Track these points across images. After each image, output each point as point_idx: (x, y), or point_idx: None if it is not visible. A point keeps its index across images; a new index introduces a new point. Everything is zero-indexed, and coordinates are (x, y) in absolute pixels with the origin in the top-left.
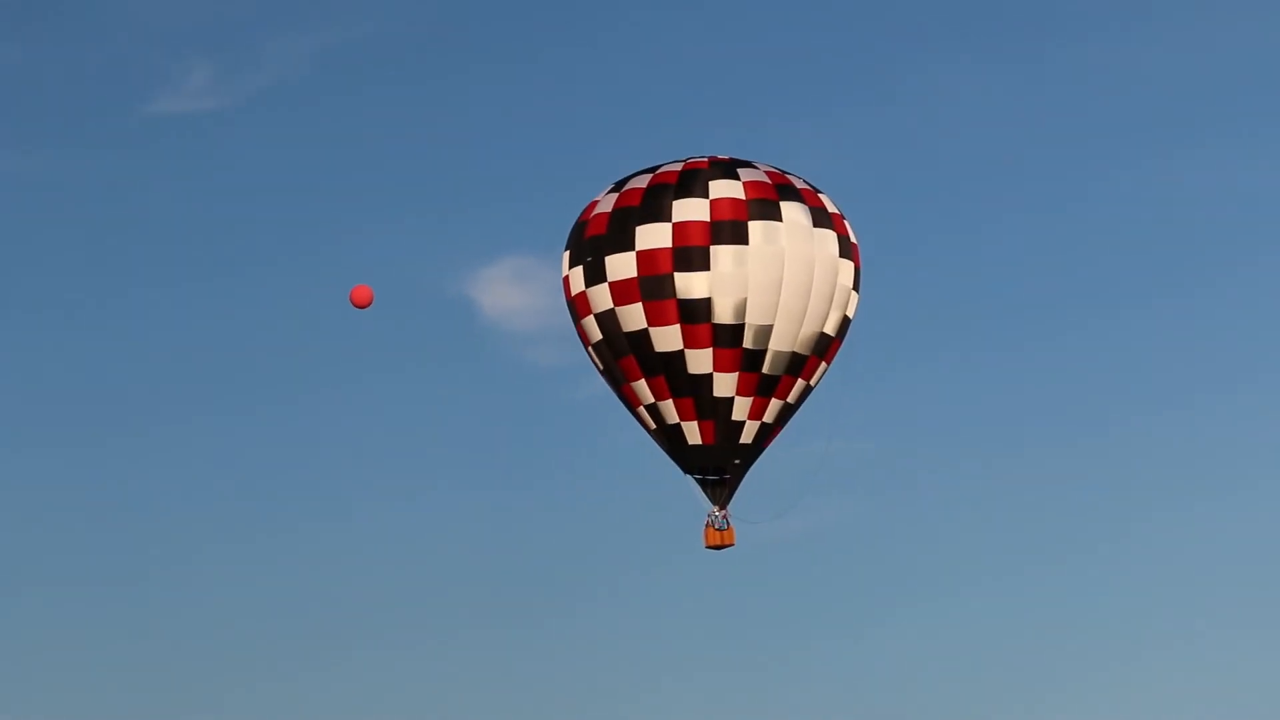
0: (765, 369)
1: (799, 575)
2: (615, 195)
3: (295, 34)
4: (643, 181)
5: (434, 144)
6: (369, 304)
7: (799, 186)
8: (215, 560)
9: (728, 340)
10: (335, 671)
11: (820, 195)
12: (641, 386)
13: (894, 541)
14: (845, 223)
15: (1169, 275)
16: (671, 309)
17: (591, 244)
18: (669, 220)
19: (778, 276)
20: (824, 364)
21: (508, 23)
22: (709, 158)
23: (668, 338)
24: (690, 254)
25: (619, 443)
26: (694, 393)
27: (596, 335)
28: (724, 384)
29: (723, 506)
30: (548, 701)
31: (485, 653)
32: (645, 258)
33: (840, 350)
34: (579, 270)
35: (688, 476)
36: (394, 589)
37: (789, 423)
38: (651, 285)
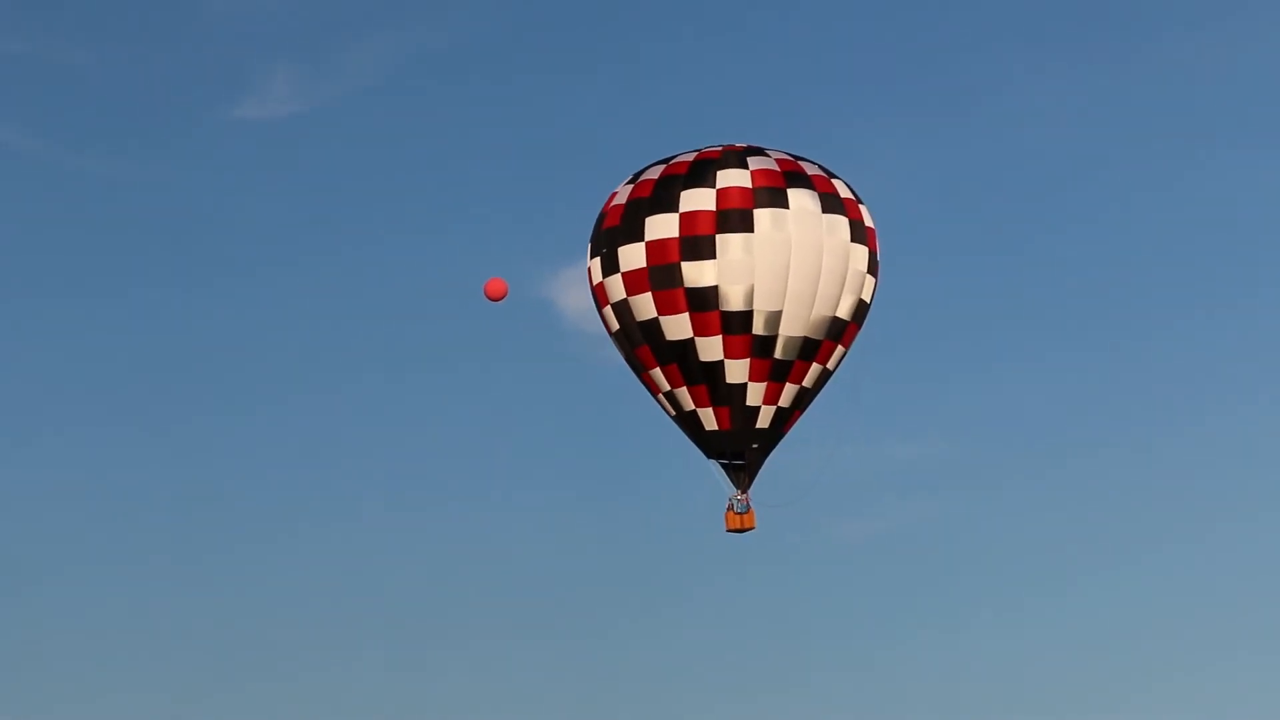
0: (777, 354)
1: (860, 577)
2: (631, 186)
3: (377, 39)
4: (656, 172)
5: (512, 146)
6: (503, 296)
7: (810, 173)
8: (275, 555)
9: (737, 327)
10: (382, 666)
11: (833, 181)
12: (658, 374)
13: (953, 543)
14: (860, 208)
15: (1242, 277)
16: (680, 298)
17: (608, 235)
18: (676, 210)
19: (785, 262)
20: (841, 348)
21: (592, 26)
22: (723, 146)
23: (678, 326)
24: (697, 243)
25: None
26: (707, 380)
27: (615, 325)
28: (736, 370)
29: (744, 490)
30: (632, 698)
31: (563, 650)
32: (654, 248)
33: (862, 335)
34: (597, 261)
35: (711, 461)
36: (463, 587)
37: (809, 406)
38: (660, 275)
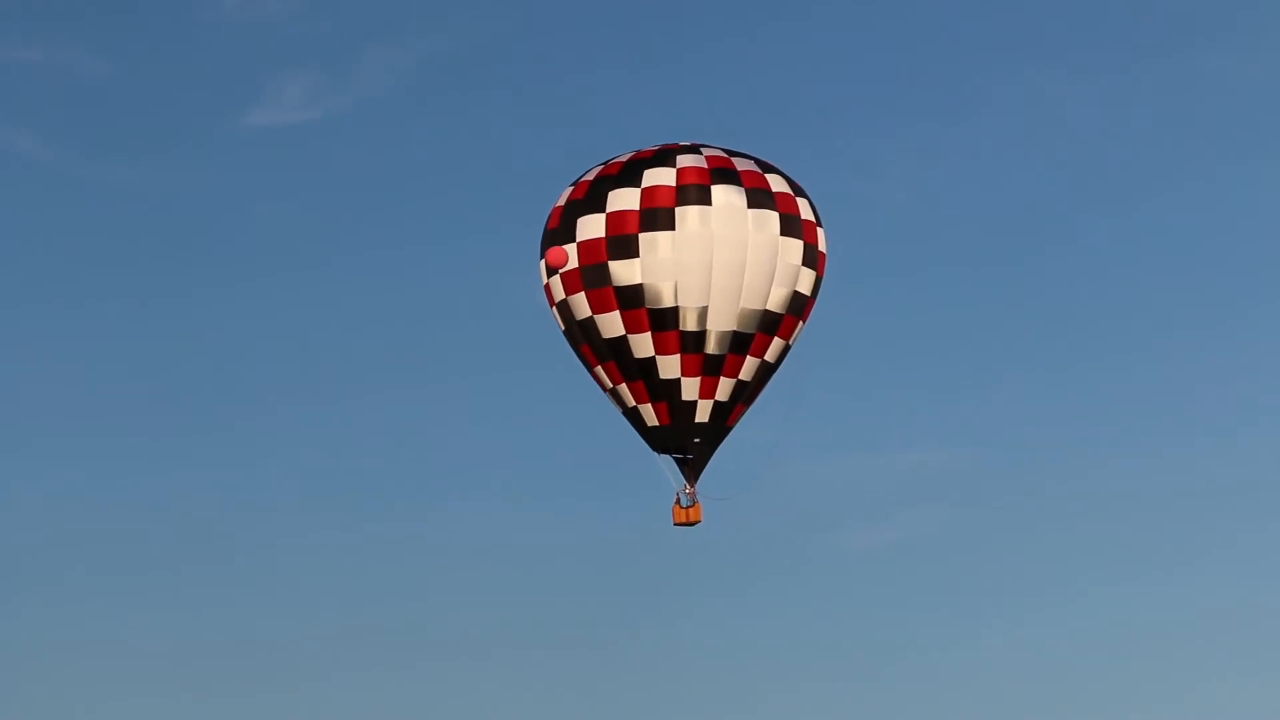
0: (710, 349)
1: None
2: (571, 189)
3: (390, 47)
4: (593, 174)
5: (522, 149)
6: (564, 264)
7: (741, 168)
8: (273, 560)
9: (667, 324)
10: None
11: (767, 176)
12: (601, 372)
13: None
14: (797, 202)
15: (1249, 286)
16: (610, 296)
17: (549, 237)
18: (603, 210)
19: (708, 258)
20: (779, 340)
21: (603, 27)
22: (659, 146)
23: (611, 324)
24: (624, 242)
25: None
26: (644, 376)
27: (562, 325)
28: (669, 366)
29: (691, 484)
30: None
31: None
32: (585, 248)
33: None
34: (544, 263)
35: (663, 456)
36: (465, 591)
37: (756, 399)
38: (591, 274)
